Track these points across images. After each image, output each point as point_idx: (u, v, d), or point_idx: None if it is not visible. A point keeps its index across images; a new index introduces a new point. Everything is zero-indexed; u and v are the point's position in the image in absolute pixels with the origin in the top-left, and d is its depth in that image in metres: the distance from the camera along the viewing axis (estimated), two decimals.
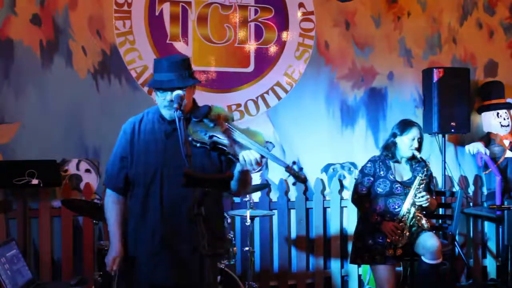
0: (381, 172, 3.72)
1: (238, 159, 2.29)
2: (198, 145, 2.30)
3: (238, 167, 2.34)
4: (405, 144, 3.71)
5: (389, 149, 3.77)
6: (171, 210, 2.37)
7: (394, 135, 3.78)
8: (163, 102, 2.36)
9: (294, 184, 2.31)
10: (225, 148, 2.32)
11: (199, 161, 2.30)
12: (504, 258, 4.65)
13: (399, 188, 3.66)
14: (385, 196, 3.67)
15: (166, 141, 2.40)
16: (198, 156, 2.31)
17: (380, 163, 3.76)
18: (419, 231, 3.64)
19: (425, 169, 3.64)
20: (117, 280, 2.52)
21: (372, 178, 3.74)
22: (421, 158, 3.70)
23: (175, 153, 2.33)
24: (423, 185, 3.60)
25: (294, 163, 2.25)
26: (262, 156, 2.27)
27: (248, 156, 2.25)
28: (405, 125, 3.77)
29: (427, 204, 3.57)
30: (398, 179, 3.71)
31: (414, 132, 3.71)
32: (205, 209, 2.08)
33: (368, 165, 3.79)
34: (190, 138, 2.31)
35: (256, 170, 2.31)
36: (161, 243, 2.37)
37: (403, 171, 3.77)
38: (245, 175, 2.38)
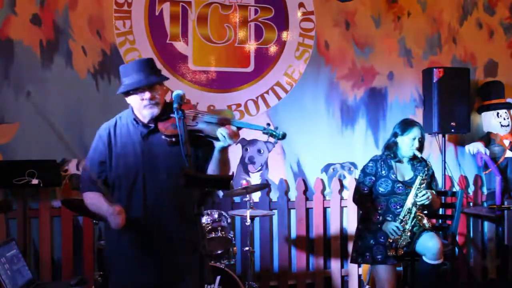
0: (383, 172, 3.72)
1: (216, 139, 2.30)
2: (173, 139, 2.30)
3: (218, 146, 2.34)
4: (406, 144, 3.71)
5: (391, 148, 3.77)
6: (155, 211, 2.38)
7: (395, 135, 3.77)
8: (143, 102, 2.36)
9: (275, 143, 2.32)
10: (201, 133, 2.32)
11: (176, 161, 2.27)
12: (504, 258, 4.65)
13: (400, 187, 3.65)
14: (386, 195, 3.67)
15: (143, 143, 2.41)
16: (174, 155, 2.29)
17: (382, 163, 3.75)
18: (421, 230, 3.64)
19: (426, 168, 3.64)
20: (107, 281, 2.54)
21: (373, 178, 3.73)
22: (422, 157, 3.70)
23: (154, 154, 2.38)
24: (424, 184, 3.59)
25: (268, 124, 2.29)
26: (239, 128, 2.30)
27: (224, 130, 2.25)
28: (406, 125, 3.76)
29: (428, 202, 3.56)
30: (399, 178, 3.70)
31: (415, 132, 3.70)
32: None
33: (370, 164, 3.78)
34: (163, 136, 2.33)
35: (235, 143, 2.32)
36: (147, 244, 2.38)
37: (405, 171, 3.76)
38: (224, 153, 2.38)
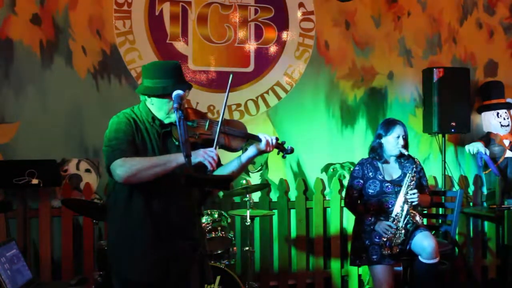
0: (370, 174, 3.76)
1: (233, 150, 2.41)
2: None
3: (251, 153, 2.42)
4: (391, 143, 3.74)
5: (375, 151, 3.81)
6: (171, 208, 2.38)
7: (379, 136, 3.80)
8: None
9: (283, 157, 2.34)
10: (218, 143, 2.35)
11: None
12: (504, 258, 4.65)
13: (389, 187, 3.68)
14: (377, 196, 3.70)
15: (159, 142, 2.40)
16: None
17: (368, 165, 3.79)
18: (414, 228, 3.64)
19: (414, 166, 3.64)
20: (112, 276, 2.51)
21: (361, 181, 3.77)
22: (408, 155, 3.71)
23: (170, 154, 2.37)
24: (414, 181, 3.61)
25: (277, 139, 2.43)
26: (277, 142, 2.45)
27: (269, 137, 2.40)
28: (388, 125, 3.79)
29: (417, 201, 3.57)
30: (387, 178, 3.73)
31: (398, 130, 3.73)
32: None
33: (356, 168, 3.84)
34: (177, 143, 2.33)
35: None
36: (161, 240, 2.38)
37: (392, 170, 3.79)
38: (251, 161, 2.49)
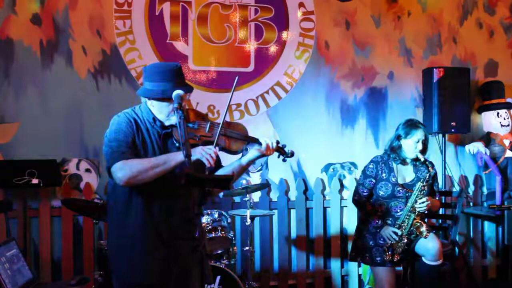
0: (383, 174, 3.66)
1: (234, 152, 2.40)
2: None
3: (251, 156, 2.43)
4: (409, 146, 3.63)
5: (395, 151, 3.68)
6: (171, 208, 2.38)
7: (398, 137, 3.67)
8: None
9: (284, 161, 2.35)
10: (217, 145, 2.34)
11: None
12: (504, 258, 4.65)
13: (400, 191, 3.59)
14: (386, 199, 3.63)
15: (160, 143, 2.40)
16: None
17: (383, 165, 3.69)
18: (418, 238, 3.58)
19: (427, 173, 3.54)
20: (113, 276, 2.50)
21: (374, 180, 3.68)
22: (425, 160, 3.62)
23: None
24: (424, 190, 3.52)
25: (278, 142, 2.44)
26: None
27: (269, 141, 2.40)
28: (409, 127, 3.66)
29: (424, 210, 3.51)
30: (400, 181, 3.64)
31: (418, 135, 3.62)
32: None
33: (371, 166, 3.71)
34: (177, 145, 2.33)
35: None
36: (161, 241, 2.37)
37: (406, 173, 3.69)
38: (250, 164, 2.49)
